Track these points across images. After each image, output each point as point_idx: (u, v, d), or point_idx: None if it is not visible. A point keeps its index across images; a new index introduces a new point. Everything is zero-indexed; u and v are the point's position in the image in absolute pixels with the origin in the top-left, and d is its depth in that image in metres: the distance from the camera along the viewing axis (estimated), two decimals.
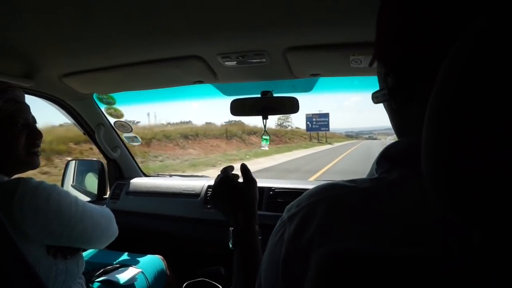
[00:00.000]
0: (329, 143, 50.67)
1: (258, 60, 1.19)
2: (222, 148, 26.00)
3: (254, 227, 0.85)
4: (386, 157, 0.47)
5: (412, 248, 0.34)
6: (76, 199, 0.99)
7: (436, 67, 0.41)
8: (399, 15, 0.44)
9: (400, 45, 0.44)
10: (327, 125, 48.54)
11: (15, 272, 0.67)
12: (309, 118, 48.12)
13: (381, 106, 0.56)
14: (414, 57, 0.43)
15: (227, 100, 1.49)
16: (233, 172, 0.99)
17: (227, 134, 30.14)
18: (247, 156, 20.91)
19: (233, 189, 0.92)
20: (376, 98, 0.53)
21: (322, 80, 1.46)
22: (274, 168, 14.81)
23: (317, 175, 11.95)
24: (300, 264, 0.42)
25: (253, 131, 34.88)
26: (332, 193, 0.45)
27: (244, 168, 0.96)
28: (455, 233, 0.34)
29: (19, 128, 0.99)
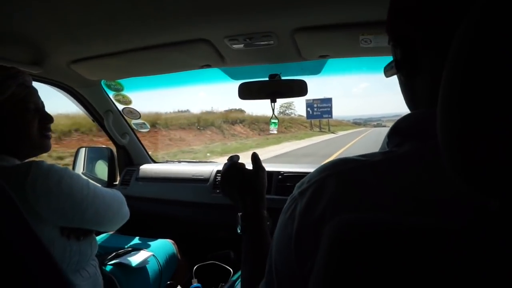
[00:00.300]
0: (333, 132, 45.28)
1: (265, 42, 1.18)
2: (186, 141, 20.27)
3: (263, 213, 0.86)
4: (397, 131, 0.48)
5: (426, 219, 0.34)
6: (87, 181, 1.01)
7: (439, 40, 0.42)
8: None
9: (404, 18, 0.46)
10: (329, 112, 41.46)
11: (30, 252, 0.69)
12: (310, 104, 41.67)
13: (389, 92, 0.56)
14: (417, 30, 0.44)
15: (230, 85, 1.49)
16: (240, 161, 1.00)
17: (200, 123, 24.48)
18: (208, 154, 16.29)
19: (241, 176, 0.93)
20: (387, 72, 0.54)
21: (330, 63, 1.45)
22: None
23: None
24: (312, 237, 0.42)
25: (240, 120, 30.44)
26: (343, 168, 0.45)
27: (254, 157, 0.97)
28: (471, 204, 0.34)
29: (31, 112, 1.00)
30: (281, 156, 15.91)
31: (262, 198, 0.89)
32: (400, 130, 0.47)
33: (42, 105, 1.06)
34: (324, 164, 0.48)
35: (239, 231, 0.85)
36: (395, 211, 0.38)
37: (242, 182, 0.92)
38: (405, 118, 0.48)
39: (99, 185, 1.07)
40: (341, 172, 0.45)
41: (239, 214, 0.86)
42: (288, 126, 39.43)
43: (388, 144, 0.48)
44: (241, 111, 38.95)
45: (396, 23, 0.49)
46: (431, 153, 0.40)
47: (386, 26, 0.51)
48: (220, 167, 1.94)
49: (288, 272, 0.46)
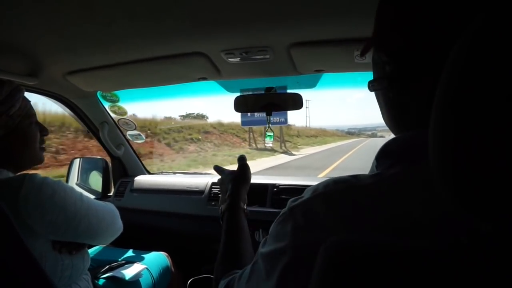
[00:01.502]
0: (287, 151, 24.64)
1: (261, 56, 1.19)
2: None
3: (241, 204, 1.02)
4: (386, 154, 0.48)
5: (418, 240, 0.34)
6: (80, 195, 1.00)
7: (435, 57, 0.41)
8: (403, 4, 0.44)
9: (403, 34, 0.45)
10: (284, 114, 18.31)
11: (21, 266, 0.68)
12: None
13: None
14: (415, 47, 0.44)
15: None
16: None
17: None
18: None
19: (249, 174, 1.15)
20: (372, 86, 0.53)
21: (325, 77, 1.46)
22: None
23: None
24: (304, 255, 0.42)
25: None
26: (333, 188, 0.46)
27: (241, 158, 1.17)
28: (463, 226, 0.34)
29: (34, 125, 1.03)
30: None
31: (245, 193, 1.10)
32: (389, 152, 0.47)
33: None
34: (317, 184, 0.48)
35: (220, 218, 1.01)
36: (388, 232, 0.38)
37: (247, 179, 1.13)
38: (394, 141, 0.48)
39: (93, 198, 1.06)
40: (331, 193, 0.45)
41: (221, 207, 1.04)
42: (196, 140, 20.74)
43: (377, 167, 0.48)
44: (202, 116, 32.19)
45: (384, 37, 0.49)
46: (422, 175, 0.40)
47: (375, 41, 0.51)
48: (215, 179, 1.93)
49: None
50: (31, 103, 1.04)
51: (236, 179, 1.09)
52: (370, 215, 0.40)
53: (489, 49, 0.26)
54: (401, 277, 0.32)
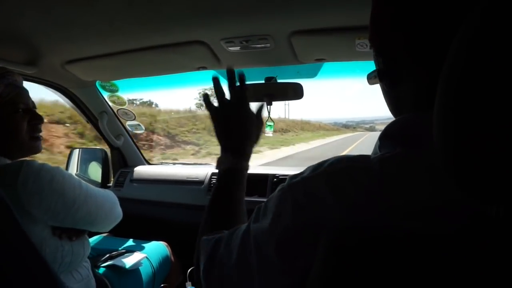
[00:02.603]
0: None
1: (262, 45, 1.18)
2: None
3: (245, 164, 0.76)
4: (388, 136, 0.47)
5: (423, 224, 0.34)
6: (79, 181, 1.00)
7: (421, 49, 0.43)
8: (390, 2, 0.45)
9: (388, 29, 0.46)
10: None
11: (21, 252, 0.68)
12: None
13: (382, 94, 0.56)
14: (401, 40, 0.44)
15: None
16: None
17: None
18: None
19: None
20: (370, 80, 0.55)
21: (326, 67, 1.45)
22: None
23: None
24: (305, 237, 0.42)
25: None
26: (337, 166, 0.45)
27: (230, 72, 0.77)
28: (467, 209, 0.34)
29: (20, 113, 0.99)
30: None
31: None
32: (391, 134, 0.47)
33: (32, 106, 1.05)
34: (319, 162, 0.47)
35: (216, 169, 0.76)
36: (391, 215, 0.38)
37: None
38: (395, 123, 0.48)
39: (91, 186, 1.06)
40: (334, 172, 0.44)
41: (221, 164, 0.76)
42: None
43: (380, 148, 0.48)
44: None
45: (378, 32, 0.49)
46: (424, 158, 0.40)
47: (369, 36, 0.52)
48: (215, 170, 1.93)
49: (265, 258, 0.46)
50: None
51: (244, 120, 0.76)
52: (375, 198, 0.40)
53: (495, 30, 0.26)
54: (408, 261, 0.32)
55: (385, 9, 0.46)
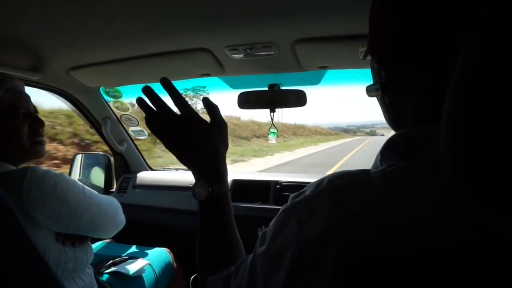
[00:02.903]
0: None
1: (266, 53, 1.19)
2: None
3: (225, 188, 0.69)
4: (390, 149, 0.47)
5: (429, 238, 0.34)
6: (83, 187, 1.00)
7: (424, 60, 0.42)
8: (392, 14, 0.44)
9: (391, 42, 0.45)
10: None
11: (25, 258, 0.68)
12: None
13: None
14: (404, 53, 0.44)
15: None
16: None
17: None
18: None
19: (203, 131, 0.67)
20: (370, 92, 0.55)
21: (329, 74, 1.45)
22: None
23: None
24: (311, 254, 0.41)
25: None
26: (338, 183, 0.45)
27: (208, 103, 0.71)
28: (474, 222, 0.34)
29: (21, 118, 0.99)
30: None
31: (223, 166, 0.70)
32: (393, 147, 0.47)
33: (34, 110, 1.05)
34: (321, 178, 0.47)
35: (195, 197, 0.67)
36: (397, 229, 0.38)
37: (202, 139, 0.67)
38: (396, 136, 0.47)
39: (95, 191, 1.06)
40: (335, 188, 0.44)
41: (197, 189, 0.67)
42: None
43: (381, 161, 0.48)
44: None
45: (380, 45, 0.48)
46: (426, 171, 0.40)
47: (368, 49, 0.51)
48: None
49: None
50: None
51: (215, 142, 0.67)
52: (378, 212, 0.39)
53: (503, 46, 0.26)
54: (413, 275, 0.31)
55: (386, 20, 0.46)
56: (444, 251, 0.31)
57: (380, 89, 0.50)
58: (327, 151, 24.66)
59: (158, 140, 0.66)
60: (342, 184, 0.44)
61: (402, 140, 0.46)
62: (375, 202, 0.40)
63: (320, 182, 0.46)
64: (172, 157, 0.67)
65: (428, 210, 0.38)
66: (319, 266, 0.38)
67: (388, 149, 0.47)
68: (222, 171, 0.68)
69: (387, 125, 0.56)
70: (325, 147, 30.00)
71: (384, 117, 0.55)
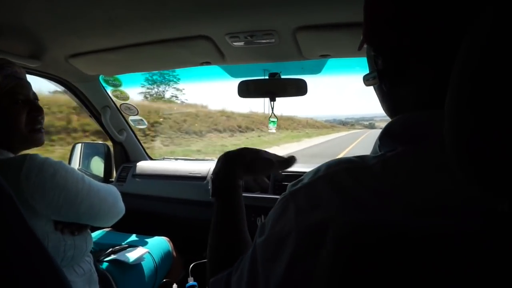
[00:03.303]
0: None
1: (266, 41, 1.17)
2: None
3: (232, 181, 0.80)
4: (389, 134, 0.47)
5: (435, 221, 0.34)
6: (82, 175, 1.00)
7: (424, 47, 0.42)
8: (390, 0, 0.44)
9: (389, 29, 0.45)
10: None
11: (24, 246, 0.68)
12: None
13: None
14: (402, 40, 0.44)
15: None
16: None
17: None
18: None
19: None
20: (367, 81, 0.55)
21: (330, 63, 1.44)
22: None
23: None
24: (311, 237, 0.41)
25: None
26: (336, 169, 0.44)
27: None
28: (479, 205, 0.33)
29: (19, 105, 0.98)
30: None
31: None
32: (392, 132, 0.47)
33: (33, 97, 1.04)
34: (318, 166, 0.47)
35: (211, 196, 0.79)
36: (402, 214, 0.37)
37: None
38: (395, 122, 0.47)
39: (94, 180, 1.06)
40: (334, 173, 0.44)
41: (211, 176, 0.81)
42: None
43: (380, 147, 0.47)
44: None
45: (377, 32, 0.48)
46: (428, 155, 0.40)
47: (364, 36, 0.51)
48: None
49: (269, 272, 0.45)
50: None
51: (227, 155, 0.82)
52: (381, 197, 0.39)
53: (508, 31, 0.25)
54: (419, 258, 0.31)
55: (385, 8, 0.45)
56: (454, 235, 0.31)
57: (377, 77, 0.50)
58: (307, 150, 18.98)
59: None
60: (339, 170, 0.44)
61: (401, 126, 0.46)
62: (376, 187, 0.40)
63: (317, 170, 0.46)
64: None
65: (430, 197, 0.38)
66: (318, 251, 0.38)
67: (386, 134, 0.47)
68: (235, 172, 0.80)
69: (385, 118, 0.56)
70: (308, 144, 23.20)
71: (381, 105, 0.55)
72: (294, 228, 0.43)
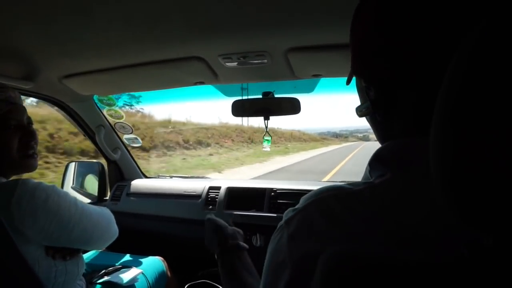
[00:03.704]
0: None
1: (259, 61, 1.19)
2: None
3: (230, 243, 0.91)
4: (379, 160, 0.48)
5: (418, 252, 0.34)
6: (75, 199, 0.99)
7: (413, 77, 0.43)
8: (378, 34, 0.45)
9: (379, 61, 0.45)
10: None
11: (15, 272, 0.67)
12: None
13: None
14: (393, 72, 0.44)
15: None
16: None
17: None
18: None
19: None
20: (360, 112, 0.55)
21: (322, 82, 1.46)
22: None
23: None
24: (302, 270, 0.41)
25: None
26: (326, 194, 0.45)
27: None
28: (463, 239, 0.34)
29: (11, 130, 0.97)
30: None
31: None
32: (381, 158, 0.47)
33: (27, 121, 1.03)
34: (310, 193, 0.48)
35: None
36: (386, 243, 0.38)
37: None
38: (386, 147, 0.48)
39: (88, 203, 1.05)
40: (324, 199, 0.45)
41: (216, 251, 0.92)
42: None
43: (370, 172, 0.48)
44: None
45: (368, 64, 0.48)
46: (416, 183, 0.40)
47: (353, 69, 0.51)
48: (213, 183, 1.93)
49: None
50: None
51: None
52: (366, 225, 0.39)
53: (490, 57, 0.26)
54: None
55: (376, 42, 0.46)
56: (437, 267, 0.31)
57: (370, 107, 0.50)
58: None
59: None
60: (328, 196, 0.45)
61: (389, 151, 0.47)
62: (362, 214, 0.41)
63: (309, 196, 0.47)
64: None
65: (416, 225, 0.38)
66: (310, 279, 0.38)
67: (376, 159, 0.47)
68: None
69: None
70: (273, 166, 15.35)
71: (375, 133, 0.56)
72: (288, 257, 0.43)
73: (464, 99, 0.27)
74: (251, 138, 26.66)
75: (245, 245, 0.90)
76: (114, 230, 1.16)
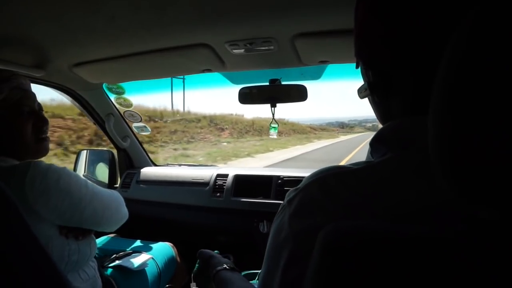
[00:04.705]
0: None
1: (266, 48, 1.19)
2: None
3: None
4: (379, 140, 0.49)
5: (418, 227, 0.34)
6: (86, 181, 1.01)
7: (410, 60, 0.44)
8: (377, 16, 0.46)
9: (373, 41, 0.47)
10: None
11: (29, 251, 0.69)
12: None
13: None
14: (392, 56, 0.45)
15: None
16: None
17: None
18: None
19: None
20: (361, 93, 0.57)
21: (330, 68, 1.45)
22: None
23: None
24: (303, 244, 0.42)
25: None
26: (327, 173, 0.46)
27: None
28: (460, 213, 0.34)
29: (25, 116, 1.00)
30: None
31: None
32: (382, 138, 0.48)
33: (38, 108, 1.06)
34: (311, 173, 0.49)
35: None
36: (386, 218, 0.39)
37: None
38: (386, 128, 0.49)
39: (97, 186, 1.07)
40: (325, 178, 0.46)
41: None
42: None
43: (372, 153, 0.49)
44: None
45: (365, 46, 0.50)
46: (416, 161, 0.41)
47: (356, 51, 0.53)
48: (221, 171, 1.95)
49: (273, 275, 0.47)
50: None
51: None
52: (365, 201, 0.41)
53: (487, 37, 0.26)
54: (401, 264, 0.32)
55: (374, 26, 0.47)
56: (437, 241, 0.32)
57: (368, 89, 0.51)
58: None
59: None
60: (328, 175, 0.46)
61: (390, 132, 0.48)
62: (357, 188, 0.42)
63: (310, 176, 0.48)
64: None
65: (415, 200, 0.39)
66: (309, 255, 0.39)
67: (377, 140, 0.48)
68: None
69: None
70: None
71: (375, 114, 0.57)
72: (289, 231, 0.45)
73: (462, 74, 0.28)
74: (240, 132, 27.30)
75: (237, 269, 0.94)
76: (124, 212, 1.19)
